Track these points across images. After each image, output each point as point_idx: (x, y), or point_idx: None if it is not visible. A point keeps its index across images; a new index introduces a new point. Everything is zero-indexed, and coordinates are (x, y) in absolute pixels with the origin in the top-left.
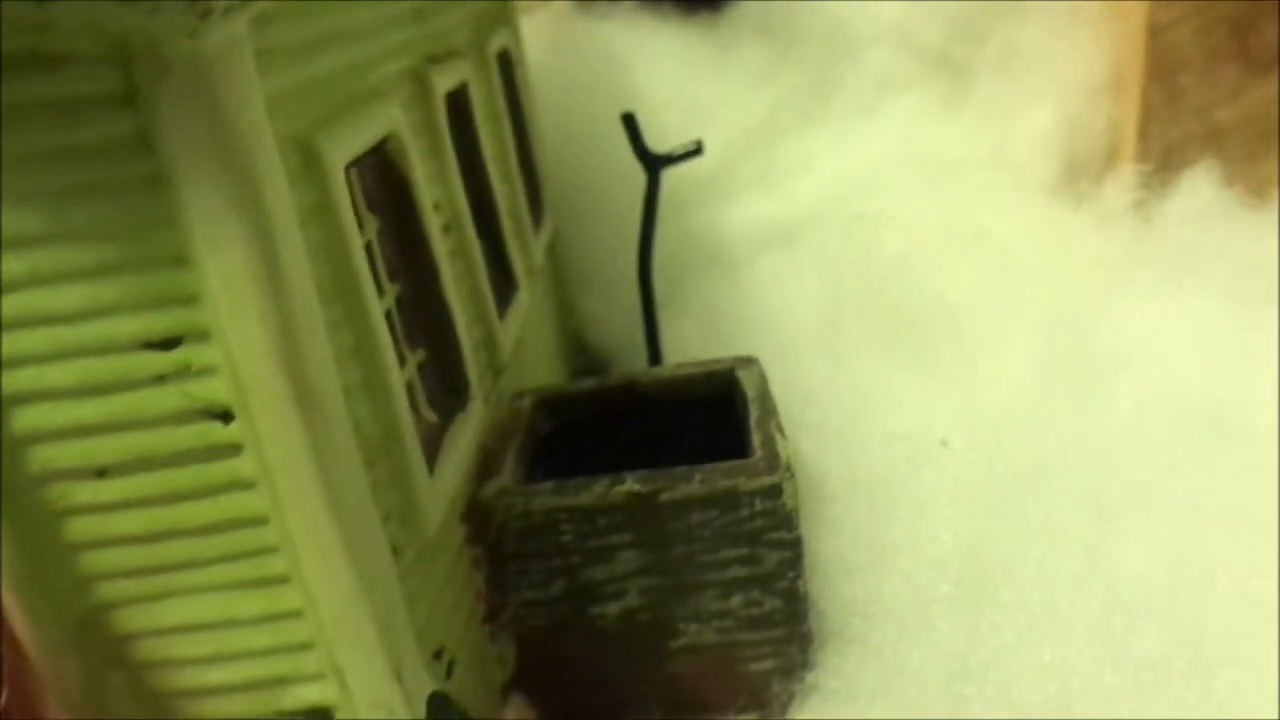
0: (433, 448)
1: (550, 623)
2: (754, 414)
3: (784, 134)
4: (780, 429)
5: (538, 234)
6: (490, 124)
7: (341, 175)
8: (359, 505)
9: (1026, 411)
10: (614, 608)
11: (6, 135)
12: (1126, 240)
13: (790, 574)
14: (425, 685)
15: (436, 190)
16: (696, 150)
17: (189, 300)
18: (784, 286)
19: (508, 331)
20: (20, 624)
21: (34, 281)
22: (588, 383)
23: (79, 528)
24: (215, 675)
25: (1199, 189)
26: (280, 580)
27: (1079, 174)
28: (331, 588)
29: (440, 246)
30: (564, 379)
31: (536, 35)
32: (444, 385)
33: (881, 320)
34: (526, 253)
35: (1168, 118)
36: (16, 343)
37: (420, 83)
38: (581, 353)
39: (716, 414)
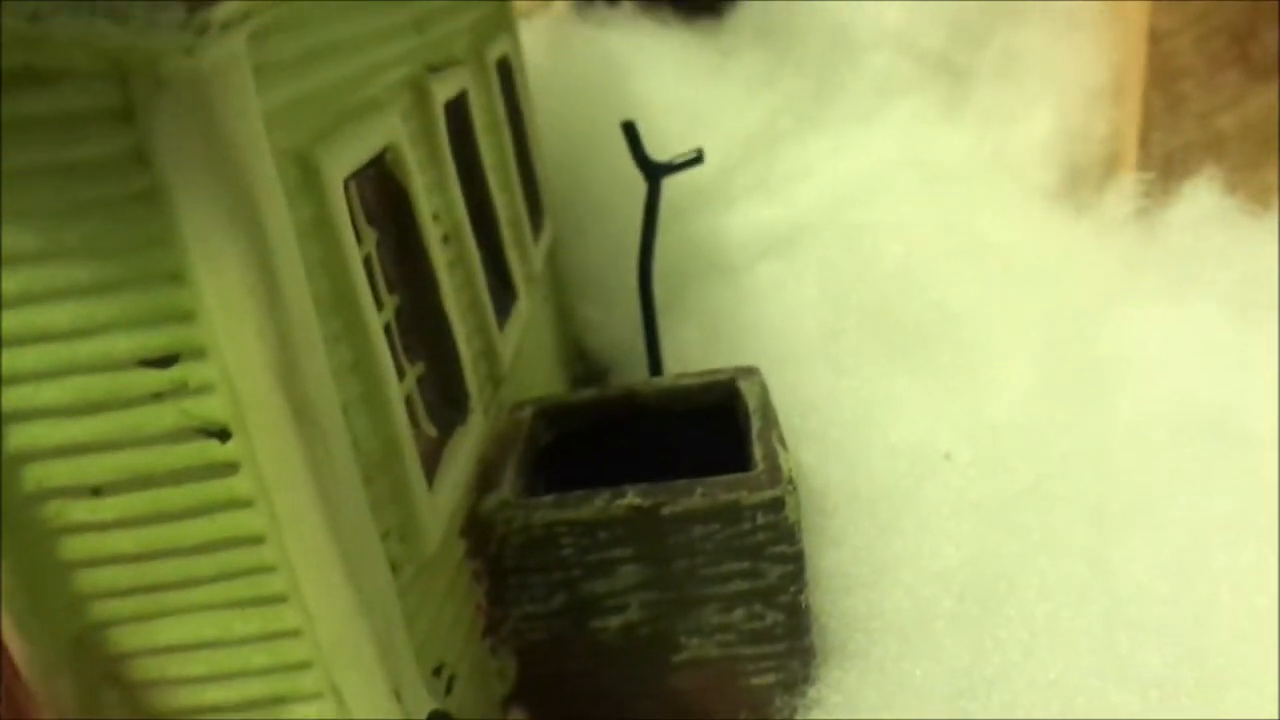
0: (432, 461)
1: (551, 636)
2: (756, 425)
3: (784, 140)
4: (782, 441)
5: (537, 241)
6: (490, 132)
7: (340, 189)
8: (358, 523)
9: (1028, 422)
10: (615, 621)
11: (1, 151)
12: (1128, 248)
13: (792, 588)
14: (425, 703)
15: (436, 200)
16: (697, 159)
17: (185, 317)
18: (784, 293)
19: (508, 342)
20: (15, 643)
21: (29, 298)
22: (588, 393)
23: (74, 546)
24: (212, 694)
25: (1200, 196)
26: (278, 599)
27: (1080, 181)
28: (330, 607)
29: (439, 257)
30: (564, 386)
31: (536, 41)
32: (443, 398)
33: (882, 328)
34: (526, 261)
35: (1169, 124)
36: (11, 360)
37: (420, 92)
38: (581, 359)
39: (717, 424)
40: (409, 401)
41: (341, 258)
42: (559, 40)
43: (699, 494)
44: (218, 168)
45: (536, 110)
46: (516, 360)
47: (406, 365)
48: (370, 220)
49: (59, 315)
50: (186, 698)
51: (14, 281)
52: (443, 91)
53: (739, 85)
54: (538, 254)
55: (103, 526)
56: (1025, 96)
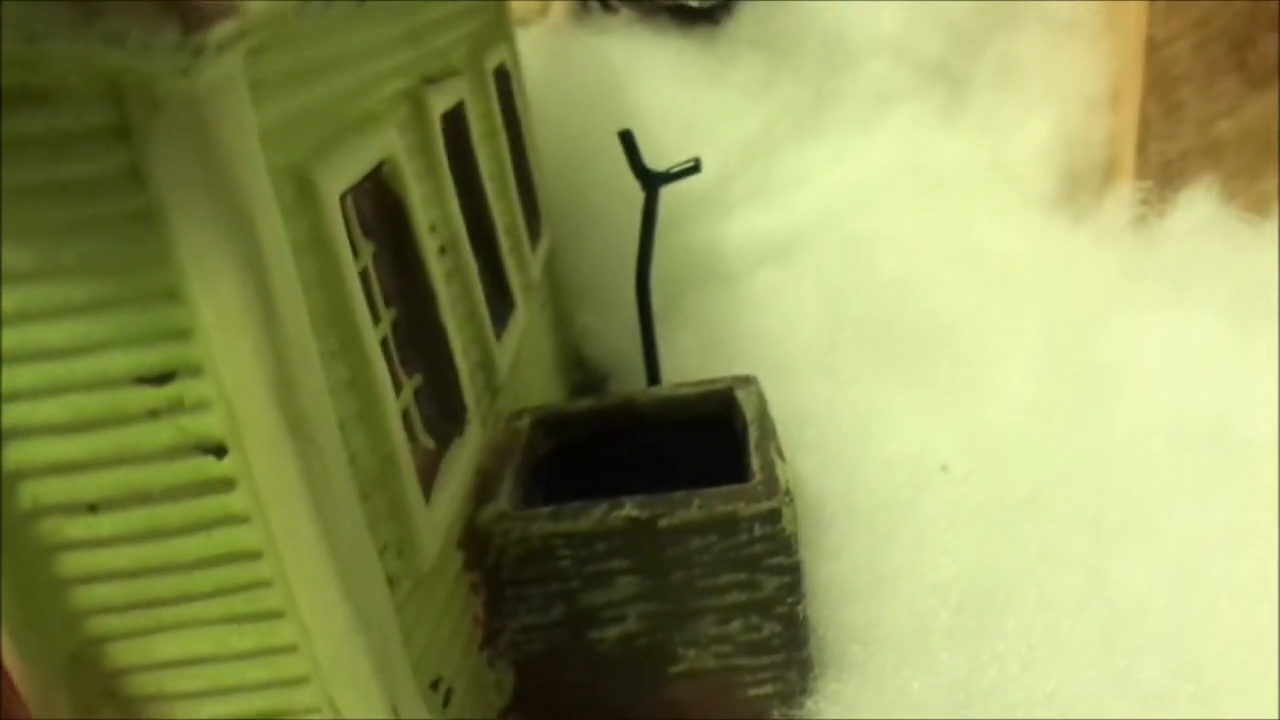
0: (429, 474)
1: (549, 648)
2: (753, 436)
3: (782, 147)
4: (779, 452)
5: (535, 249)
6: (487, 141)
7: (337, 206)
8: (354, 539)
9: (1026, 432)
10: (612, 633)
11: None
12: (1126, 256)
13: (789, 599)
14: (422, 718)
15: (433, 211)
16: (694, 168)
17: (182, 335)
18: (782, 301)
19: (505, 352)
20: (12, 659)
21: (26, 317)
22: (585, 403)
23: (71, 563)
24: (209, 710)
25: (1198, 204)
26: (274, 615)
27: (1078, 188)
28: (326, 622)
29: (437, 269)
30: (562, 394)
31: (534, 50)
32: (441, 410)
33: (880, 337)
34: (524, 269)
35: (1167, 132)
36: (8, 378)
37: (416, 104)
38: (579, 367)
39: (715, 433)
40: (406, 414)
41: (338, 274)
42: (557, 49)
43: (696, 506)
44: (213, 186)
45: (534, 119)
46: (514, 369)
47: (403, 378)
48: (367, 232)
49: (56, 333)
50: (183, 713)
51: (11, 299)
52: (439, 103)
53: (736, 93)
54: (536, 262)
55: (99, 543)
56: (1023, 103)
